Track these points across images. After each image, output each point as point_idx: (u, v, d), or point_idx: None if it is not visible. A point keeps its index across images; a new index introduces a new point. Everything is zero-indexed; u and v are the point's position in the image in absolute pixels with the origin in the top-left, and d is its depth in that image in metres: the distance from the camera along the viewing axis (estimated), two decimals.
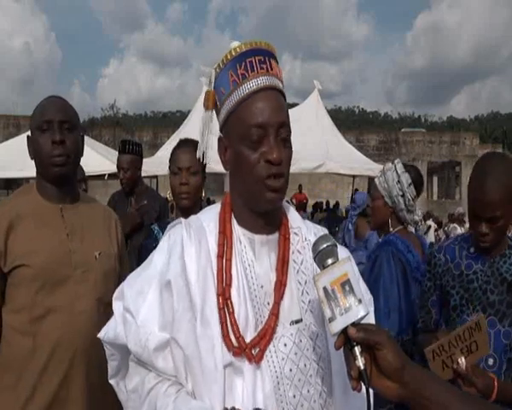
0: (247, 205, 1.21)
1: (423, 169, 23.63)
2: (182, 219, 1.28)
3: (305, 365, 1.15)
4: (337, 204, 18.14)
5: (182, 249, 1.19)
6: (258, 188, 1.15)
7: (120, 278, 1.71)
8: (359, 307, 0.98)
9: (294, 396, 1.12)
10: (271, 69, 1.18)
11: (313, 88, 11.26)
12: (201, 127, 1.26)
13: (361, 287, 1.28)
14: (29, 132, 1.94)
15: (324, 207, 18.39)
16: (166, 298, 1.17)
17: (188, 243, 1.20)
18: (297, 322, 1.17)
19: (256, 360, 1.10)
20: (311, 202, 19.09)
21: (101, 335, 1.28)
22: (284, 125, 1.16)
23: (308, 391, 1.14)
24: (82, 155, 1.99)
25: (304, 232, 1.28)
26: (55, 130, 1.85)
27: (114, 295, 1.28)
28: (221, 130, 1.23)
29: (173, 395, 1.14)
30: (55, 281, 1.79)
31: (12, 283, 1.78)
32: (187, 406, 1.10)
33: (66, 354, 1.78)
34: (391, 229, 2.62)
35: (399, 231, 2.61)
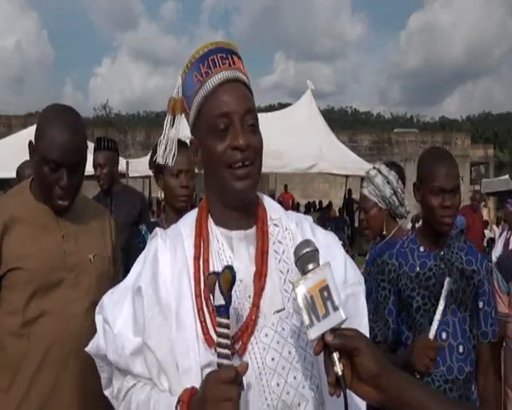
0: (220, 200, 1.23)
1: (416, 169, 23.71)
2: (158, 229, 1.31)
3: (290, 352, 1.15)
4: (330, 204, 18.19)
5: (154, 257, 1.23)
6: (227, 177, 1.17)
7: (114, 281, 1.71)
8: (337, 314, 0.98)
9: (278, 384, 1.13)
10: (234, 64, 1.22)
11: (306, 88, 11.29)
12: (164, 132, 1.27)
13: (347, 271, 1.29)
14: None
15: (317, 207, 18.45)
16: (138, 304, 1.20)
17: (163, 250, 1.23)
18: (279, 311, 1.18)
19: (239, 353, 1.12)
20: (303, 202, 19.13)
21: (87, 348, 1.31)
22: (250, 112, 1.19)
23: (295, 378, 1.14)
24: None
25: (284, 222, 1.29)
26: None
27: (96, 310, 1.32)
28: (192, 132, 1.26)
29: (149, 388, 1.19)
30: (49, 284, 1.78)
31: (6, 285, 1.77)
32: (159, 395, 1.15)
33: (59, 357, 1.77)
34: (384, 232, 2.65)
35: (398, 232, 2.64)
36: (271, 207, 1.32)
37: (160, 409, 1.11)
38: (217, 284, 1.04)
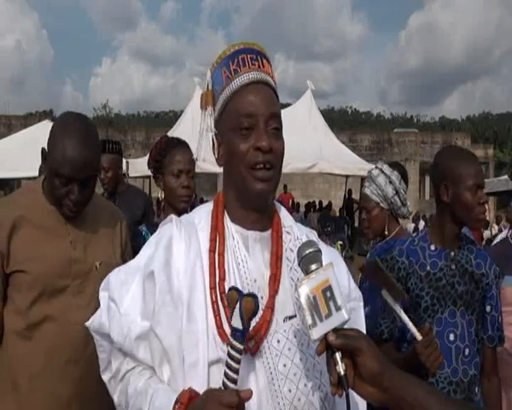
0: (239, 199, 1.23)
1: (416, 169, 23.78)
2: (173, 216, 1.29)
3: (301, 359, 1.15)
4: (330, 204, 18.21)
5: (169, 243, 1.21)
6: (247, 178, 1.18)
7: None
8: (339, 314, 0.98)
9: (290, 391, 1.13)
10: (263, 66, 1.23)
11: (306, 88, 11.32)
12: (201, 126, 1.28)
13: (351, 286, 1.31)
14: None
15: (317, 207, 18.48)
16: (149, 288, 1.18)
17: (177, 239, 1.21)
18: (291, 318, 1.18)
19: (252, 351, 1.11)
20: (303, 202, 19.14)
21: (88, 323, 1.30)
22: (274, 117, 1.20)
23: (305, 385, 1.14)
24: None
25: (296, 231, 1.30)
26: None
27: (101, 286, 1.30)
28: (215, 127, 1.26)
29: (147, 375, 1.18)
30: (53, 290, 1.77)
31: (12, 285, 1.77)
32: (157, 385, 1.14)
33: (59, 362, 1.76)
34: (386, 232, 2.64)
35: (400, 232, 2.64)
36: (284, 214, 1.33)
37: (157, 402, 1.10)
38: (237, 306, 1.02)
